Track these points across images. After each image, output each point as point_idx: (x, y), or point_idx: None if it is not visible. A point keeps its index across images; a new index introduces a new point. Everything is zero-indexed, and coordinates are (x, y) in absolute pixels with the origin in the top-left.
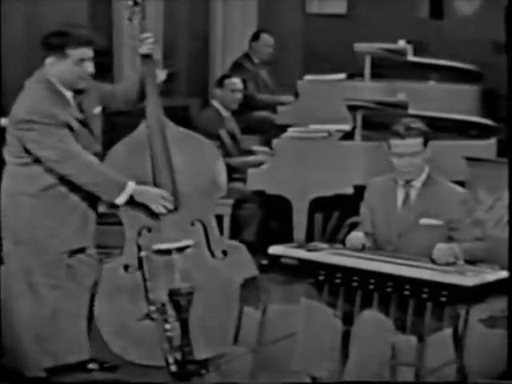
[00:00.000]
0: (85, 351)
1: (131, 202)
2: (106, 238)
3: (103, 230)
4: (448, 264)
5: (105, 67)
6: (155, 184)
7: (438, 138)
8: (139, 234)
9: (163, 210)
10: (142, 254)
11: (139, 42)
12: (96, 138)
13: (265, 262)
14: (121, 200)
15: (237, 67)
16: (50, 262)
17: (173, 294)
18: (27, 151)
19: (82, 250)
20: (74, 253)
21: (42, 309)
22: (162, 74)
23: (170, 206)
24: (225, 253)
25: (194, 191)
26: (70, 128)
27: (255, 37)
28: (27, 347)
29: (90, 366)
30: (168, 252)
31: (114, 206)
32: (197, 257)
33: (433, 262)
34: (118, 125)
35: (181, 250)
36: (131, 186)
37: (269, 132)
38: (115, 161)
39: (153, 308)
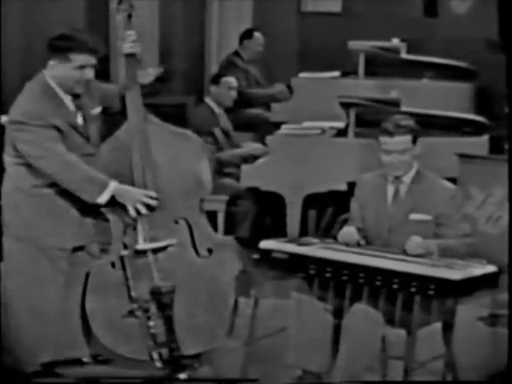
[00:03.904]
0: (83, 346)
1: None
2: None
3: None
4: (419, 256)
5: (102, 71)
6: (134, 183)
7: (431, 134)
8: (125, 232)
9: (143, 211)
10: (123, 253)
11: (122, 40)
12: (91, 140)
13: (256, 256)
14: (102, 199)
15: (228, 64)
16: (49, 259)
17: (154, 293)
18: (18, 151)
19: (82, 248)
20: (75, 250)
21: (40, 304)
22: (152, 72)
23: (152, 203)
24: (210, 251)
25: (177, 190)
26: (60, 130)
27: (249, 35)
28: (25, 342)
29: (84, 359)
30: (146, 252)
31: (98, 205)
32: (180, 255)
33: (404, 252)
34: (117, 125)
35: (160, 249)
36: (113, 185)
37: (262, 129)
38: (100, 160)
39: (135, 306)
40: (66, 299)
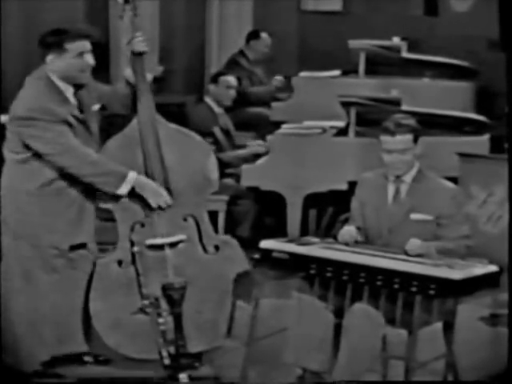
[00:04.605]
0: (81, 343)
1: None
2: (110, 235)
3: (109, 227)
4: (418, 256)
5: (102, 65)
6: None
7: (431, 134)
8: (132, 229)
9: (163, 205)
10: (135, 249)
11: (130, 40)
12: (93, 136)
13: (256, 256)
14: (123, 190)
15: (232, 64)
16: (48, 258)
17: (166, 289)
18: (26, 147)
19: (82, 246)
20: (73, 248)
21: (39, 303)
22: (154, 71)
23: (169, 202)
24: (217, 248)
25: (186, 187)
26: (69, 125)
27: (255, 35)
28: (25, 341)
29: (85, 358)
30: (161, 247)
31: (115, 198)
32: (189, 252)
33: (405, 252)
34: (114, 123)
35: (173, 244)
36: (133, 175)
37: (263, 128)
38: (108, 157)
39: (146, 302)
40: (62, 297)
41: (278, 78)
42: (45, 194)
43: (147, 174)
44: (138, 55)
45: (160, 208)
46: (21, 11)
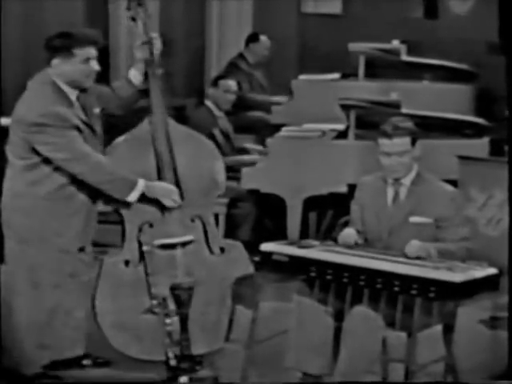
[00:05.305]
0: (81, 346)
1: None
2: (101, 236)
3: (100, 228)
4: (418, 258)
5: (101, 66)
6: (160, 180)
7: (431, 137)
8: (140, 229)
9: (174, 204)
10: (145, 248)
11: (143, 43)
12: (98, 138)
13: (257, 259)
14: (132, 197)
15: (232, 67)
16: (55, 261)
17: (175, 289)
18: (35, 152)
19: (83, 249)
20: (77, 251)
21: (43, 306)
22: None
23: (179, 201)
24: (222, 249)
25: (194, 188)
26: (79, 130)
27: (255, 38)
28: (26, 344)
29: (84, 361)
30: (172, 247)
31: (123, 203)
32: (196, 252)
33: (405, 255)
34: (115, 124)
35: (183, 245)
36: (142, 183)
37: (263, 131)
38: (116, 157)
39: (155, 302)
40: (68, 301)
41: (279, 98)
42: (54, 198)
43: (159, 175)
44: (150, 58)
45: (172, 207)
46: (21, 11)
